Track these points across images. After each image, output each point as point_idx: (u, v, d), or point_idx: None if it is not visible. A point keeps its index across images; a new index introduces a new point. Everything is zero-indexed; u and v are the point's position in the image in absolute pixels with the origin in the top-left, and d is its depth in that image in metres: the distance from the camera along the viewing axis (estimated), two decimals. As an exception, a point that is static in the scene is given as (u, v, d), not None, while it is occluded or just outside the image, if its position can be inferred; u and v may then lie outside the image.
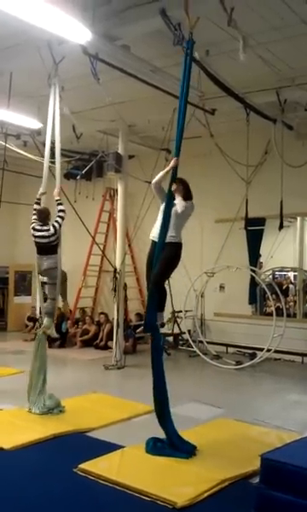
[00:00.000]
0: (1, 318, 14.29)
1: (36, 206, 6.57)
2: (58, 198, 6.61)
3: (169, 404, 5.03)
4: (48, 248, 6.35)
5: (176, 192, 5.18)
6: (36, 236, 6.35)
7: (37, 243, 6.38)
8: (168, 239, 5.09)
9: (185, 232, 5.43)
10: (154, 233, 5.18)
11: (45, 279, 6.56)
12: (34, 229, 6.38)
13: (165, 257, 5.08)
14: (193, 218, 5.30)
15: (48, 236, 6.30)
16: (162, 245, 5.06)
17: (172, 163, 5.08)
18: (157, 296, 5.20)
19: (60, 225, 6.36)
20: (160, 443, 4.96)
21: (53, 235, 6.29)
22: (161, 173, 5.19)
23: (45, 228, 6.32)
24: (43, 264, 6.40)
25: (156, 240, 5.14)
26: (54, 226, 6.32)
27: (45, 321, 6.53)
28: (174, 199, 5.16)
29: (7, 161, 8.05)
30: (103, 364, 9.44)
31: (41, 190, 6.73)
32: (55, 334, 7.09)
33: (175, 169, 5.06)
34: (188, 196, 5.22)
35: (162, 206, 5.17)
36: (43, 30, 5.64)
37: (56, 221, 6.35)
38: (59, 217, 6.39)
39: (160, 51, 6.84)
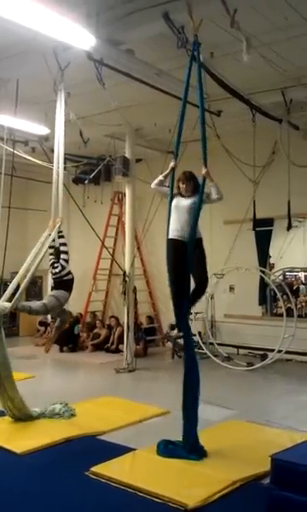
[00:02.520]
0: (12, 323, 14.36)
1: (51, 244, 6.51)
2: (60, 230, 6.55)
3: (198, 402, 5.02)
4: (58, 284, 6.47)
5: (187, 190, 5.21)
6: (51, 273, 6.56)
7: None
8: (198, 235, 5.14)
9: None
10: (179, 232, 5.07)
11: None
12: (51, 265, 6.55)
13: (202, 253, 5.17)
14: (201, 219, 5.25)
15: (57, 273, 6.45)
16: (194, 243, 5.06)
17: (171, 164, 5.33)
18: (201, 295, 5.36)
19: (66, 261, 6.46)
20: (172, 445, 4.96)
21: (61, 271, 6.43)
22: (160, 176, 5.37)
23: (56, 265, 6.48)
24: (51, 293, 6.51)
25: (183, 239, 5.05)
26: (61, 264, 6.45)
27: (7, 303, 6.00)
28: (183, 196, 5.20)
29: (15, 168, 8.11)
30: (114, 368, 9.47)
31: (58, 219, 6.58)
32: None
33: (173, 171, 5.29)
34: (197, 189, 5.20)
35: (173, 204, 5.19)
36: (47, 37, 5.69)
37: (63, 259, 6.46)
38: (63, 252, 6.48)
39: (165, 54, 6.87)
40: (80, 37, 5.72)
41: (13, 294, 6.07)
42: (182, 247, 5.04)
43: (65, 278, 6.45)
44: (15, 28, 5.47)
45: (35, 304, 6.44)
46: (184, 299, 5.19)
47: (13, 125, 8.33)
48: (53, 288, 6.56)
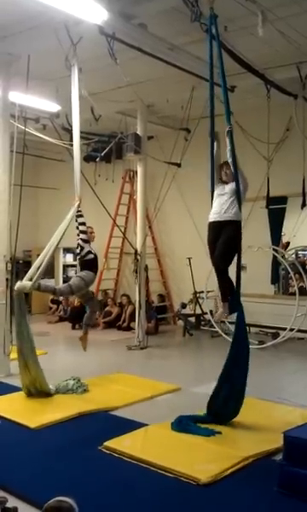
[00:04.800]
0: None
1: (79, 220, 6.51)
2: (79, 209, 6.53)
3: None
4: (82, 264, 6.53)
5: (228, 174, 5.34)
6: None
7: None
8: (237, 217, 5.27)
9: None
10: (217, 214, 5.32)
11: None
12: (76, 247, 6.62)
13: (233, 235, 5.27)
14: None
15: (78, 253, 6.53)
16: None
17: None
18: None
19: (84, 241, 6.44)
20: (185, 420, 5.02)
21: (80, 252, 6.47)
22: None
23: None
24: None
25: (219, 219, 5.28)
26: (79, 244, 6.48)
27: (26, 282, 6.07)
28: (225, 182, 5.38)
29: (27, 145, 8.06)
30: (126, 345, 9.55)
31: (76, 198, 6.62)
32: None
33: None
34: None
35: (216, 192, 5.39)
36: (59, 11, 5.61)
37: (81, 239, 6.47)
38: (81, 232, 6.47)
39: (178, 29, 6.73)
40: (92, 11, 5.64)
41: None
42: (217, 227, 5.27)
43: (86, 258, 6.44)
44: (26, 2, 5.40)
45: (60, 285, 6.54)
46: (226, 278, 5.39)
47: (24, 102, 8.24)
48: (80, 269, 6.58)
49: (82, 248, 6.44)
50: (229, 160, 5.29)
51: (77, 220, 6.49)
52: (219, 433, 4.87)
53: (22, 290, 6.06)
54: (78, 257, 6.59)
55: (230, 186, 5.29)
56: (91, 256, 6.46)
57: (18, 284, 6.08)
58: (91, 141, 11.55)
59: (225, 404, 5.08)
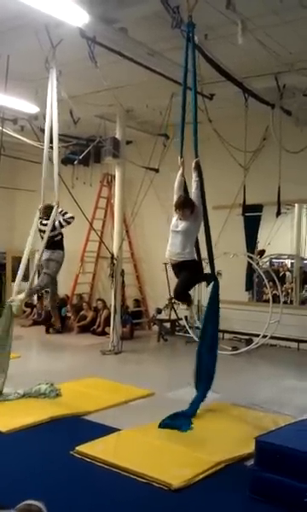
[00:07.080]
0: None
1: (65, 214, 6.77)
2: (61, 210, 6.71)
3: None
4: (50, 243, 6.58)
5: (185, 215, 5.34)
6: (40, 231, 6.67)
7: (42, 237, 6.66)
8: (191, 257, 5.46)
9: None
10: (173, 254, 5.43)
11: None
12: (40, 223, 6.69)
13: (188, 274, 5.58)
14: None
15: (50, 232, 6.53)
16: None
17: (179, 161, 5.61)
18: None
19: (61, 225, 6.62)
20: (174, 416, 5.17)
21: (52, 230, 6.52)
22: (175, 186, 5.61)
23: (45, 222, 6.54)
24: (46, 255, 6.64)
25: (176, 260, 5.44)
26: (60, 223, 6.59)
27: (19, 295, 6.38)
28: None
29: (4, 146, 7.98)
30: (100, 350, 9.50)
31: (41, 205, 6.76)
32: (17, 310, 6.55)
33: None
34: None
35: (171, 227, 5.39)
36: (40, 12, 5.59)
37: (64, 220, 6.61)
38: (66, 221, 6.63)
39: (158, 34, 6.76)
40: (73, 14, 5.63)
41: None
42: (176, 266, 5.44)
43: (57, 239, 6.63)
44: (7, 2, 5.36)
45: (40, 281, 6.62)
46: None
47: (2, 102, 8.18)
48: (47, 248, 6.61)
49: (54, 229, 6.53)
50: (194, 193, 5.39)
51: (64, 215, 6.69)
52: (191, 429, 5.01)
53: (18, 306, 6.29)
54: (46, 235, 6.53)
55: (184, 225, 5.26)
56: (60, 236, 6.70)
57: (15, 304, 6.20)
58: (69, 143, 11.51)
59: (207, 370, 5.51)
